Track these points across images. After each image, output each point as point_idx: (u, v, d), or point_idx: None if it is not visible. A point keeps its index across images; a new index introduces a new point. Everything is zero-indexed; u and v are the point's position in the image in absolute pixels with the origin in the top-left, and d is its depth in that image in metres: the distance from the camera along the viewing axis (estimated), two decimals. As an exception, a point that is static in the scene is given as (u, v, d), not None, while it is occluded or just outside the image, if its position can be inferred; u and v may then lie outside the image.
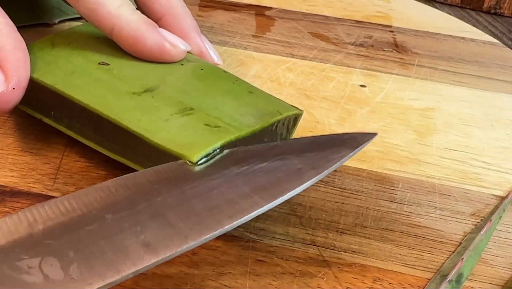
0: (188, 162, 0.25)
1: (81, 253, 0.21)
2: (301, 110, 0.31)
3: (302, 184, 0.24)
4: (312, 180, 0.24)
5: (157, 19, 0.33)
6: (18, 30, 0.29)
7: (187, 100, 0.29)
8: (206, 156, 0.25)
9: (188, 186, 0.24)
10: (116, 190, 0.23)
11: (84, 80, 0.29)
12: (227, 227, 0.22)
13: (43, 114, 0.30)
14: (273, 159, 0.25)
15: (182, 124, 0.27)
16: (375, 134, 0.27)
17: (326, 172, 0.25)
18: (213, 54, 0.34)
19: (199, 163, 0.25)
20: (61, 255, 0.21)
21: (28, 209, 0.22)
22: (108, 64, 0.30)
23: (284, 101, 0.31)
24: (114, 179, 0.24)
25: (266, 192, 0.24)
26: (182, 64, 0.31)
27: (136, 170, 0.26)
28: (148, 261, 0.21)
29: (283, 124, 0.30)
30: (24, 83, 0.28)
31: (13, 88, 0.28)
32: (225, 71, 0.32)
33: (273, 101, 0.31)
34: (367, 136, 0.27)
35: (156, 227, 0.22)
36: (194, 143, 0.26)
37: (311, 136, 0.28)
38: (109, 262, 0.21)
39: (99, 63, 0.30)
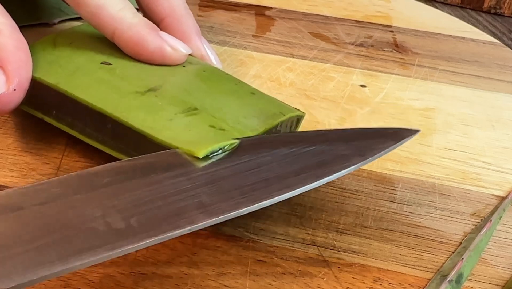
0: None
1: (141, 208, 0.22)
2: (303, 112, 0.31)
3: (348, 167, 0.25)
4: (358, 164, 0.26)
5: (159, 21, 0.33)
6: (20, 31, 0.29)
7: (191, 100, 0.29)
8: (211, 153, 0.25)
9: (239, 160, 0.25)
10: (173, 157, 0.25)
11: (87, 79, 0.29)
12: (276, 198, 0.23)
13: (44, 114, 0.30)
14: (320, 144, 0.26)
15: (187, 124, 0.27)
16: (418, 130, 0.28)
17: (371, 159, 0.26)
18: (213, 58, 0.34)
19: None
20: (122, 210, 0.21)
21: (90, 169, 0.23)
22: (110, 64, 0.30)
23: (285, 103, 0.31)
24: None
25: (314, 171, 0.25)
26: (184, 66, 0.32)
27: None
28: (202, 220, 0.22)
29: (286, 126, 0.30)
30: (26, 84, 0.28)
31: (14, 90, 0.28)
32: (226, 74, 0.32)
33: (275, 103, 0.31)
34: (409, 132, 0.28)
35: (210, 192, 0.23)
36: (200, 141, 0.26)
37: (357, 128, 0.30)
38: (167, 218, 0.22)
39: (101, 63, 0.30)
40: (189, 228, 0.21)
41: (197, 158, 0.25)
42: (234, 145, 0.26)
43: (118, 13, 0.30)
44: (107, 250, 0.20)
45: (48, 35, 0.33)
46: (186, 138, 0.26)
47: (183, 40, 0.32)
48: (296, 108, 0.31)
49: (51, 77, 0.29)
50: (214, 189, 0.23)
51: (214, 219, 0.22)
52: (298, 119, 0.31)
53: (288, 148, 0.26)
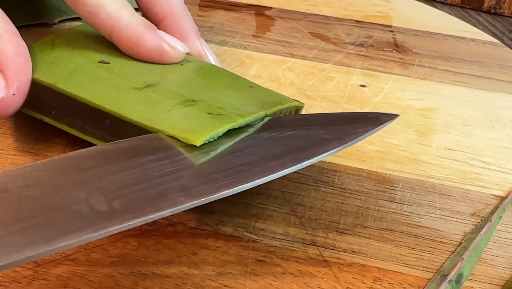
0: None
1: (124, 191, 0.22)
2: (302, 103, 0.31)
3: (327, 151, 0.26)
4: (338, 148, 0.26)
5: (157, 22, 0.33)
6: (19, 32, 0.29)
7: (189, 94, 0.29)
8: (209, 141, 0.25)
9: (221, 145, 0.25)
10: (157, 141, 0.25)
11: (85, 78, 0.29)
12: (258, 181, 0.23)
13: (44, 114, 0.30)
14: (301, 129, 0.27)
15: (184, 114, 0.27)
16: (397, 115, 0.29)
17: (350, 143, 0.26)
18: (212, 57, 0.34)
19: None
20: (106, 192, 0.22)
21: (74, 152, 0.24)
22: (108, 63, 0.30)
23: (284, 95, 0.31)
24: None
25: (294, 155, 0.25)
26: (181, 64, 0.32)
27: None
28: (184, 202, 0.22)
29: (285, 116, 0.30)
30: (25, 88, 0.29)
31: (14, 94, 0.28)
32: (224, 70, 0.33)
33: (274, 94, 0.31)
34: (389, 116, 0.29)
35: (192, 175, 0.23)
36: (197, 129, 0.26)
37: (337, 112, 0.31)
38: (151, 200, 0.22)
39: (99, 62, 0.31)
40: (171, 210, 0.21)
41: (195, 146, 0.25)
42: (231, 127, 0.26)
43: (116, 12, 0.30)
44: (91, 232, 0.20)
45: (47, 36, 0.33)
46: (184, 126, 0.26)
47: (182, 40, 0.32)
48: (295, 100, 0.31)
49: (49, 78, 0.29)
50: (197, 172, 0.23)
51: (196, 201, 0.22)
52: (297, 110, 0.31)
53: (269, 132, 0.27)
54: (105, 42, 0.31)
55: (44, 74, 0.29)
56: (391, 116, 0.29)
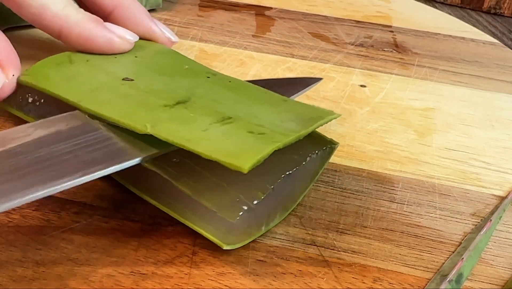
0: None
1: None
2: (338, 114, 0.29)
3: None
4: None
5: (107, 14, 0.33)
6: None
7: (223, 110, 0.28)
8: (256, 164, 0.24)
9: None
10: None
11: (110, 96, 0.29)
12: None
13: None
14: None
15: (223, 132, 0.26)
16: (320, 78, 0.35)
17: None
18: (169, 34, 0.34)
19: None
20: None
21: None
22: (132, 80, 0.30)
23: (320, 107, 0.29)
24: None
25: None
26: (208, 77, 0.31)
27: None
28: None
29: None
30: (19, 65, 0.29)
31: (13, 75, 0.28)
32: (253, 84, 0.31)
33: (310, 108, 0.29)
34: (314, 80, 0.35)
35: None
36: (242, 151, 0.24)
37: (267, 79, 0.35)
38: None
39: (123, 79, 0.30)
40: None
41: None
42: (277, 148, 0.25)
43: (63, 11, 0.30)
44: None
45: (63, 52, 0.32)
46: (226, 148, 0.25)
47: (136, 25, 0.33)
48: (331, 111, 0.29)
49: (71, 95, 0.28)
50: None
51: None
52: (331, 146, 0.30)
53: None
54: (125, 60, 0.31)
55: (66, 91, 0.29)
56: (315, 80, 0.35)
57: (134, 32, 0.33)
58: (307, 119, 0.28)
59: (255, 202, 0.25)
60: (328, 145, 0.29)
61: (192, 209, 0.26)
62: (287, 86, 0.31)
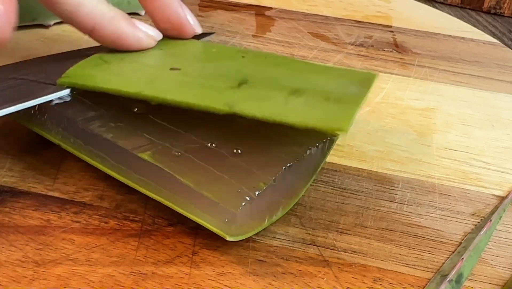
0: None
1: None
2: (375, 73, 0.31)
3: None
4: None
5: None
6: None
7: (286, 84, 0.29)
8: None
9: None
10: None
11: (171, 84, 0.29)
12: None
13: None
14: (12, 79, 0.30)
15: (303, 103, 0.27)
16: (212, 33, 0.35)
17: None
18: (193, 23, 0.34)
19: None
20: None
21: None
22: (179, 69, 0.30)
23: (356, 69, 0.33)
24: None
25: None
26: (243, 57, 0.32)
27: None
28: None
29: None
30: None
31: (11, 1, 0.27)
32: (284, 56, 0.34)
33: (352, 71, 0.32)
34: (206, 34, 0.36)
35: None
36: (334, 115, 0.26)
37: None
38: None
39: (170, 69, 0.30)
40: None
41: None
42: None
43: (97, 9, 0.30)
44: None
45: (90, 56, 0.32)
46: (316, 116, 0.26)
47: (165, 11, 0.33)
48: (368, 72, 0.32)
49: (129, 87, 0.28)
50: None
51: None
52: (331, 139, 0.31)
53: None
54: (156, 53, 0.32)
55: (120, 85, 0.29)
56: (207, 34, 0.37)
57: (164, 18, 0.33)
58: (360, 81, 0.29)
59: (257, 193, 0.26)
60: (328, 137, 0.30)
61: (195, 202, 0.26)
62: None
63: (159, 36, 0.33)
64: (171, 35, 0.34)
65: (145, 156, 0.27)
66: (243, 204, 0.25)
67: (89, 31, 0.31)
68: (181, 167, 0.26)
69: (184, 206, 0.26)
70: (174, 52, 0.33)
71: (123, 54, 0.32)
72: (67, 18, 0.30)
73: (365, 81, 0.30)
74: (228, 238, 0.25)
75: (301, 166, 0.28)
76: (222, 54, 0.33)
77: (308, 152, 0.28)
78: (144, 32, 0.32)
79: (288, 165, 0.27)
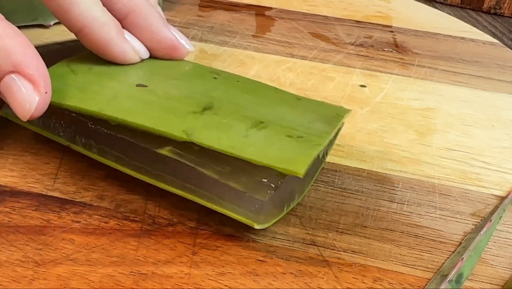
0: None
1: None
2: (349, 109, 0.30)
3: None
4: None
5: (121, 19, 0.31)
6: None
7: (251, 114, 0.28)
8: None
9: None
10: None
11: (132, 103, 0.28)
12: None
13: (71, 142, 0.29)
14: None
15: (264, 138, 0.27)
16: None
17: None
18: (186, 44, 0.33)
19: None
20: None
21: None
22: (146, 86, 0.30)
23: (329, 103, 0.31)
24: None
25: None
26: (215, 78, 0.31)
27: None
28: None
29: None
30: (49, 78, 0.27)
31: (46, 92, 0.26)
32: (258, 81, 0.32)
33: (325, 105, 0.31)
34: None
35: None
36: (292, 157, 0.25)
37: None
38: None
39: (136, 85, 0.30)
40: None
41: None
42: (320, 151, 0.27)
43: (90, 11, 0.29)
44: None
45: (60, 62, 0.31)
46: (274, 154, 0.26)
47: (152, 34, 0.31)
48: (341, 107, 0.31)
49: (91, 105, 0.28)
50: None
51: None
52: (339, 129, 0.31)
53: None
54: (126, 65, 0.31)
55: (83, 102, 0.28)
56: None
57: (150, 40, 0.32)
58: (329, 118, 0.29)
59: (280, 181, 0.26)
60: (337, 128, 0.30)
61: (219, 193, 0.26)
62: None
63: (146, 54, 0.32)
64: (161, 56, 0.32)
65: (164, 151, 0.27)
66: (270, 192, 0.26)
67: (77, 32, 0.30)
68: (202, 160, 0.27)
69: (209, 199, 0.27)
70: (145, 65, 0.32)
71: (92, 63, 0.31)
72: (58, 14, 0.29)
73: (335, 117, 0.29)
74: (257, 226, 0.26)
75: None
76: (194, 73, 0.32)
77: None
78: (134, 48, 0.31)
79: None
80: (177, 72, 0.32)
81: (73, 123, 0.29)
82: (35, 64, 0.26)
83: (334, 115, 0.29)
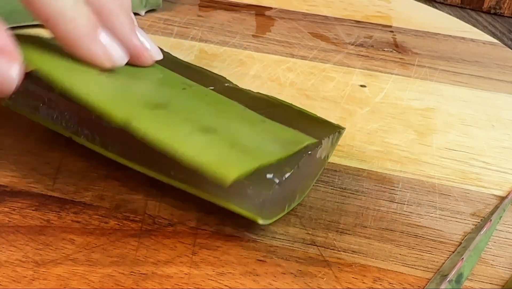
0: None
1: None
2: (316, 140, 0.29)
3: None
4: None
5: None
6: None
7: (204, 121, 0.27)
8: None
9: None
10: None
11: (94, 82, 0.28)
12: None
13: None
14: None
15: (206, 142, 0.25)
16: None
17: None
18: (153, 52, 0.30)
19: None
20: None
21: None
22: (113, 73, 0.29)
23: (298, 132, 0.29)
24: None
25: None
26: (184, 89, 0.30)
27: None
28: None
29: (328, 141, 0.30)
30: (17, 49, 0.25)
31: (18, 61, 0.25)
32: (229, 100, 0.31)
33: (288, 130, 0.29)
34: None
35: None
36: (226, 163, 0.24)
37: None
38: None
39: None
40: None
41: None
42: (259, 167, 0.25)
43: (57, 2, 0.26)
44: None
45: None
46: (209, 158, 0.24)
47: (117, 37, 0.28)
48: (308, 137, 0.28)
49: (57, 72, 0.27)
50: None
51: None
52: (340, 132, 0.31)
53: None
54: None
55: (45, 63, 0.27)
56: None
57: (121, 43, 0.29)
58: (287, 142, 0.28)
59: (284, 177, 0.26)
60: (337, 130, 0.31)
61: (225, 189, 0.26)
62: None
63: (122, 62, 0.29)
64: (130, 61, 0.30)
65: None
66: (275, 186, 0.26)
67: (43, 22, 0.27)
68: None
69: (215, 194, 0.27)
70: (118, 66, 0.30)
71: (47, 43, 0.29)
72: (25, 2, 0.27)
73: (294, 143, 0.28)
74: (260, 221, 0.26)
75: (316, 155, 0.29)
76: (164, 80, 0.31)
77: (323, 141, 0.29)
78: (104, 49, 0.28)
79: (309, 152, 0.28)
80: (148, 77, 0.30)
81: (76, 115, 0.29)
82: (6, 41, 0.25)
83: (293, 141, 0.28)
